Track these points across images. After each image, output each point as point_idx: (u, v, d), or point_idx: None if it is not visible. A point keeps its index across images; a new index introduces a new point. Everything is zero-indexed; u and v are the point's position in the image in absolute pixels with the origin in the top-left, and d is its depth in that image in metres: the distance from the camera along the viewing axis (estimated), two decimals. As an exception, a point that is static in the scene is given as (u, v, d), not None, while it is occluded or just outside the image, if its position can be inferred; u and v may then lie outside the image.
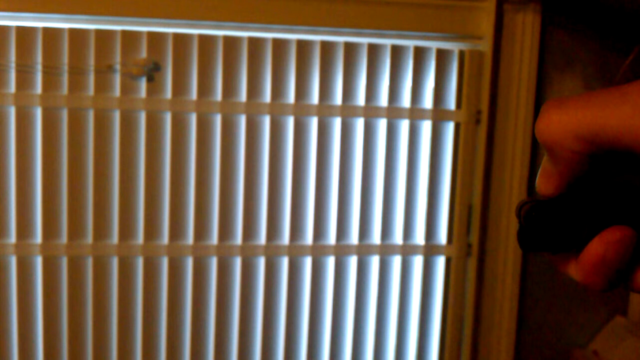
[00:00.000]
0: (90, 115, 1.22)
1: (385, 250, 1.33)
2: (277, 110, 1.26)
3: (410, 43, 1.29)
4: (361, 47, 1.28)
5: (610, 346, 1.35)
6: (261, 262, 1.30)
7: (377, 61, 1.28)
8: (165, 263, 1.27)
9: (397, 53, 1.29)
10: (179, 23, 1.23)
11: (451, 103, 1.31)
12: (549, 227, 0.28)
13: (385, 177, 1.31)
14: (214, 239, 1.28)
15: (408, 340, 1.37)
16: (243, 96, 1.26)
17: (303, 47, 1.26)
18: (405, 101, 1.30)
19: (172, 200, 1.26)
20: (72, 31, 1.20)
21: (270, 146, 1.27)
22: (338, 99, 1.28)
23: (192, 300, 1.29)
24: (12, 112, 1.20)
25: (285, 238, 1.30)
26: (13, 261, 1.23)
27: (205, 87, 1.24)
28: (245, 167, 1.27)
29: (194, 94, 1.24)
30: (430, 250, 1.34)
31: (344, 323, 1.35)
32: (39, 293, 1.24)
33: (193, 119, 1.25)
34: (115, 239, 1.25)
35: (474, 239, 1.33)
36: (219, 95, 1.25)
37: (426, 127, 1.32)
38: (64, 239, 1.24)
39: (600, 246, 0.26)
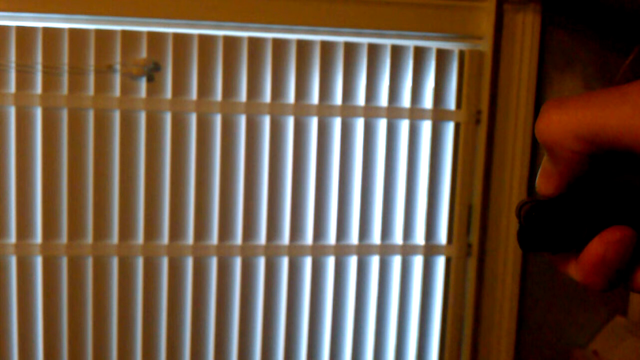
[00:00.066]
0: (90, 115, 1.22)
1: (385, 250, 1.33)
2: (277, 110, 1.26)
3: (410, 43, 1.29)
4: (361, 47, 1.28)
5: (610, 346, 1.35)
6: (261, 262, 1.30)
7: (377, 61, 1.28)
8: (165, 263, 1.27)
9: (397, 53, 1.29)
10: (179, 23, 1.23)
11: (451, 103, 1.31)
12: (549, 227, 0.28)
13: (385, 177, 1.31)
14: (214, 239, 1.28)
15: (408, 340, 1.37)
16: (243, 96, 1.26)
17: (303, 47, 1.26)
18: (405, 101, 1.30)
19: (172, 200, 1.26)
20: (72, 31, 1.20)
21: (270, 146, 1.27)
22: (338, 99, 1.28)
23: (192, 300, 1.29)
24: (12, 112, 1.20)
25: (285, 238, 1.30)
26: (13, 261, 1.23)
27: (205, 87, 1.24)
28: (245, 167, 1.27)
29: (194, 94, 1.24)
30: (430, 250, 1.34)
31: (344, 323, 1.35)
32: (39, 293, 1.24)
33: (193, 119, 1.25)
34: (115, 239, 1.25)
35: (474, 239, 1.33)
36: (219, 95, 1.25)
37: (426, 127, 1.32)
38: (64, 239, 1.24)
39: (600, 246, 0.26)
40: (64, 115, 1.21)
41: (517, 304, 1.36)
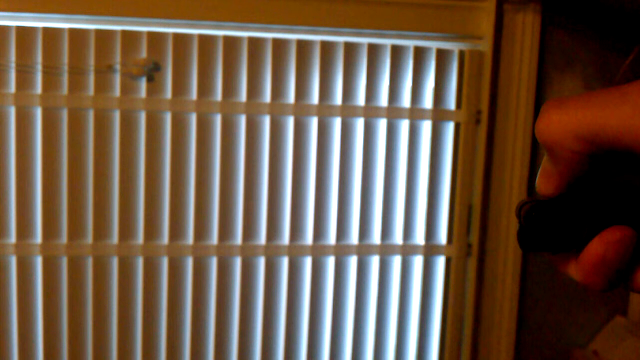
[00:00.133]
0: (90, 115, 1.22)
1: (385, 250, 1.33)
2: (277, 110, 1.26)
3: (410, 43, 1.29)
4: (361, 47, 1.28)
5: (610, 346, 1.35)
6: (261, 262, 1.30)
7: (377, 61, 1.28)
8: (165, 263, 1.27)
9: (397, 53, 1.29)
10: (179, 23, 1.23)
11: (451, 103, 1.31)
12: (549, 227, 0.28)
13: (385, 177, 1.31)
14: (214, 239, 1.28)
15: (408, 340, 1.37)
16: (243, 96, 1.26)
17: (303, 47, 1.26)
18: (405, 101, 1.30)
19: (172, 200, 1.26)
20: (72, 31, 1.20)
21: (270, 146, 1.27)
22: (338, 99, 1.28)
23: (192, 300, 1.29)
24: (12, 112, 1.20)
25: (285, 238, 1.30)
26: (13, 261, 1.23)
27: (205, 87, 1.24)
28: (245, 167, 1.27)
29: (194, 94, 1.24)
30: (430, 250, 1.34)
31: (344, 323, 1.35)
32: (39, 293, 1.24)
33: (193, 119, 1.25)
34: (115, 239, 1.25)
35: (474, 239, 1.33)
36: (219, 95, 1.25)
37: (426, 127, 1.32)
38: (64, 239, 1.24)
39: (600, 246, 0.26)
40: (64, 115, 1.21)
41: (517, 304, 1.36)
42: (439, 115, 1.31)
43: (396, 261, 1.34)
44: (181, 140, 1.25)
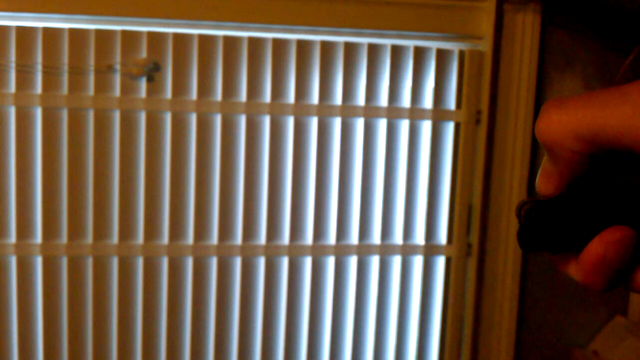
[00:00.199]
0: (90, 115, 1.22)
1: (385, 250, 1.33)
2: (277, 110, 1.26)
3: (410, 43, 1.29)
4: (361, 47, 1.28)
5: (610, 346, 1.35)
6: (261, 262, 1.30)
7: (377, 61, 1.28)
8: (165, 263, 1.27)
9: (397, 53, 1.29)
10: (179, 23, 1.23)
11: (451, 103, 1.31)
12: (549, 227, 0.28)
13: (385, 177, 1.31)
14: (214, 239, 1.28)
15: (408, 340, 1.37)
16: (243, 96, 1.26)
17: (303, 47, 1.26)
18: (405, 101, 1.30)
19: (172, 200, 1.26)
20: (72, 31, 1.20)
21: (270, 146, 1.27)
22: (338, 99, 1.28)
23: (192, 300, 1.29)
24: (12, 112, 1.20)
25: (285, 238, 1.30)
26: (13, 261, 1.23)
27: (205, 87, 1.24)
28: (245, 167, 1.27)
29: (194, 94, 1.24)
30: (430, 250, 1.34)
31: (344, 323, 1.35)
32: (39, 293, 1.24)
33: (193, 119, 1.25)
34: (115, 239, 1.25)
35: (474, 239, 1.33)
36: (219, 95, 1.25)
37: (426, 127, 1.32)
38: (64, 239, 1.24)
39: (600, 246, 0.26)
40: (64, 115, 1.21)
41: (517, 304, 1.36)
42: (439, 115, 1.31)
43: (396, 261, 1.34)
44: (181, 140, 1.25)
